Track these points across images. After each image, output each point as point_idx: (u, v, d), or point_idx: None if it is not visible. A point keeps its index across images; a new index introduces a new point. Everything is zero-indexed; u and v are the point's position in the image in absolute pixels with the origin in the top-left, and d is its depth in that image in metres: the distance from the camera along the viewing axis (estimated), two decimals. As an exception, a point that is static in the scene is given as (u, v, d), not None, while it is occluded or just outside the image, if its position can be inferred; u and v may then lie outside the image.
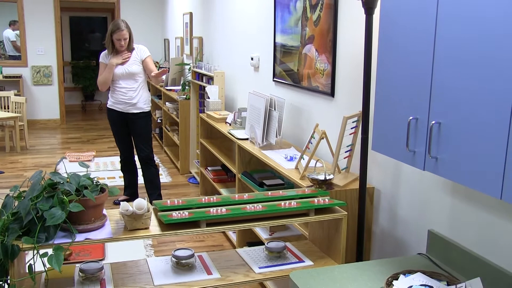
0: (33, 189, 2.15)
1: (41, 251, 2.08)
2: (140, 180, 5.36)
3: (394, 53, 1.99)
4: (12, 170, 6.74)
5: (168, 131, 7.43)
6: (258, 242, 3.68)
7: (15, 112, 8.09)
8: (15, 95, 8.61)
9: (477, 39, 1.57)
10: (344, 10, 3.11)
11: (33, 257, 2.08)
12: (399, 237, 2.69)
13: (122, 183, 5.53)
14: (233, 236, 4.34)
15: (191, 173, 6.53)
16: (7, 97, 8.44)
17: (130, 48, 4.85)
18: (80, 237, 2.17)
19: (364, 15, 2.45)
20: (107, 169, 6.79)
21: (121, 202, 2.23)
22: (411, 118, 1.88)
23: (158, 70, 8.75)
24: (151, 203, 5.18)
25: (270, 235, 3.56)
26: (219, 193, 4.68)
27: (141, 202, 2.22)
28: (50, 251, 2.07)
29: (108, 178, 6.37)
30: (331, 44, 3.25)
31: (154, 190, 5.23)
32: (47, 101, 10.12)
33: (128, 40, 4.78)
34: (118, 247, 4.15)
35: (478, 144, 1.58)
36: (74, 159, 7.21)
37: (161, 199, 5.28)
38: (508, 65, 1.45)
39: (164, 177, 6.46)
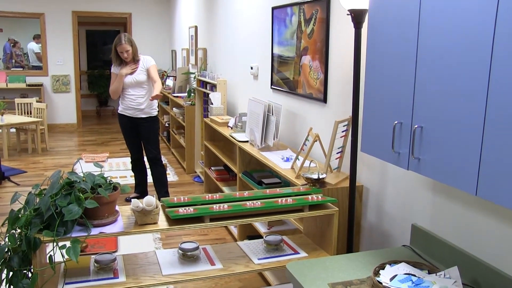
0: (53, 187, 2.15)
1: (60, 243, 2.08)
2: (149, 179, 5.36)
3: (380, 64, 1.99)
4: (34, 170, 6.74)
5: (175, 134, 7.42)
6: (257, 235, 3.68)
7: (37, 117, 8.10)
8: (37, 101, 8.61)
9: (453, 52, 1.57)
10: (335, 24, 3.12)
11: (53, 249, 2.08)
12: (385, 230, 2.70)
13: (133, 181, 5.52)
14: (234, 230, 4.34)
15: (196, 172, 6.52)
16: (30, 103, 8.45)
17: (135, 59, 4.86)
18: (95, 231, 2.17)
19: (354, 29, 2.46)
20: (119, 169, 6.78)
21: (132, 199, 2.23)
22: (396, 122, 1.89)
23: (165, 79, 8.82)
24: (159, 199, 5.20)
25: (268, 229, 3.56)
26: (222, 191, 4.68)
27: (150, 199, 2.22)
28: (68, 243, 2.08)
29: (120, 177, 6.36)
30: (323, 54, 3.26)
31: (162, 187, 5.23)
32: (65, 107, 10.11)
33: (130, 52, 4.78)
34: (129, 240, 4.14)
35: (455, 145, 1.59)
36: (89, 160, 7.20)
37: (168, 196, 5.28)
38: (481, 74, 1.46)
39: (172, 176, 6.46)
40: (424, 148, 1.75)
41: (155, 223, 2.26)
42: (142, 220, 2.24)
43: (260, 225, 3.62)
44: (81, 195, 2.11)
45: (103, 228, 2.20)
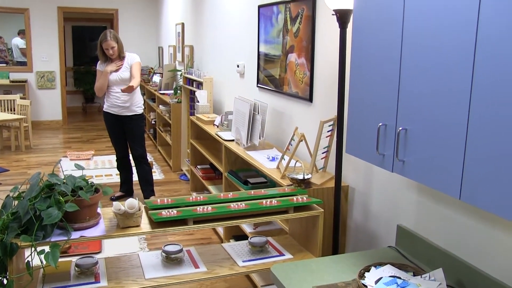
0: (32, 190, 2.10)
1: (40, 248, 2.02)
2: (135, 177, 5.31)
3: (364, 64, 1.96)
4: (17, 168, 6.63)
5: (162, 132, 7.36)
6: (243, 235, 3.65)
7: (21, 114, 7.98)
8: (21, 98, 8.48)
9: (437, 53, 1.55)
10: (321, 23, 3.09)
11: (30, 254, 2.02)
12: (371, 231, 2.68)
13: (119, 180, 5.46)
14: (220, 230, 4.30)
15: (182, 170, 6.47)
16: (13, 100, 8.32)
17: (121, 56, 4.80)
18: (75, 235, 2.12)
19: (338, 29, 2.42)
20: (105, 167, 6.70)
21: (114, 202, 2.18)
22: (380, 124, 1.86)
23: (151, 76, 8.74)
24: (145, 198, 5.14)
25: (254, 229, 3.53)
26: (208, 190, 4.64)
27: (133, 202, 2.17)
28: (47, 248, 2.02)
29: (106, 175, 6.28)
30: (309, 53, 3.23)
31: (147, 186, 5.18)
32: (50, 104, 9.98)
33: (115, 48, 4.72)
34: (114, 241, 4.09)
35: (439, 148, 1.57)
36: (74, 158, 7.11)
37: (154, 194, 5.23)
38: (464, 77, 1.44)
39: (157, 174, 6.40)
40: (409, 150, 1.72)
41: (138, 225, 2.22)
42: (124, 223, 2.19)
43: (246, 225, 3.58)
44: (61, 198, 2.06)
45: (84, 232, 2.15)
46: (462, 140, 1.47)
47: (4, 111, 8.25)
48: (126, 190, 5.39)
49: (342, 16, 2.36)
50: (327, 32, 3.02)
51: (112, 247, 4.09)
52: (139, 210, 2.20)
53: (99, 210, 2.33)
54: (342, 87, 2.45)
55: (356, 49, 2.02)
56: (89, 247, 4.09)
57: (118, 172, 5.42)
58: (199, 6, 6.37)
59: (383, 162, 1.88)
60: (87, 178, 2.26)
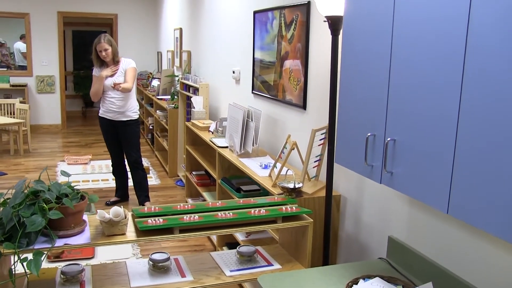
0: (15, 197, 2.06)
1: (24, 256, 1.98)
2: (131, 183, 5.26)
3: (354, 73, 1.92)
4: (15, 172, 6.60)
5: (159, 137, 7.32)
6: (236, 243, 3.60)
7: (20, 118, 7.95)
8: (21, 102, 8.46)
9: (426, 63, 1.51)
10: (315, 29, 3.05)
11: (14, 262, 1.98)
12: (362, 242, 2.63)
13: (115, 185, 5.42)
14: (214, 238, 4.25)
15: (178, 176, 6.43)
16: (13, 104, 8.29)
17: (115, 60, 4.77)
18: (59, 242, 2.07)
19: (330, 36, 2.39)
20: (101, 171, 6.66)
21: (98, 210, 2.14)
22: (369, 134, 1.82)
23: (150, 81, 8.71)
24: (140, 203, 5.08)
25: (246, 237, 3.49)
26: (203, 196, 4.59)
27: (118, 210, 2.13)
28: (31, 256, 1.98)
29: (102, 180, 6.24)
30: (303, 60, 3.19)
31: (142, 191, 5.13)
32: (49, 108, 9.96)
33: (109, 51, 4.70)
34: (107, 246, 4.04)
35: (427, 160, 1.52)
36: (72, 162, 7.08)
37: (149, 200, 5.19)
38: (453, 89, 1.39)
39: (154, 180, 6.35)
40: (397, 162, 1.68)
41: (123, 234, 2.17)
42: (110, 231, 2.15)
43: (239, 233, 3.54)
44: (45, 205, 2.02)
45: (69, 240, 2.11)
46: (451, 153, 1.42)
47: (4, 115, 8.22)
48: (121, 195, 5.35)
49: (334, 23, 2.32)
50: (321, 39, 2.98)
51: (105, 253, 4.05)
52: (125, 218, 2.16)
53: (85, 217, 2.28)
54: (334, 95, 2.41)
55: (346, 57, 1.98)
56: (82, 252, 4.05)
57: (114, 177, 5.38)
58: (196, 11, 6.35)
59: (371, 173, 1.83)
60: (73, 185, 2.22)
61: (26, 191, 2.12)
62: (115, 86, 4.61)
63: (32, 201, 2.07)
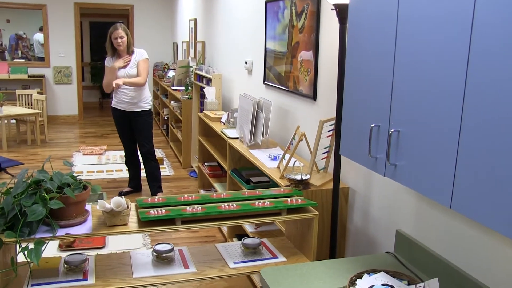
0: (17, 186, 2.05)
1: (24, 244, 1.98)
2: (143, 173, 5.27)
3: (359, 62, 1.86)
4: (31, 162, 6.67)
5: (173, 128, 7.32)
6: (245, 234, 3.57)
7: (38, 109, 8.04)
8: (38, 93, 8.55)
9: (431, 52, 1.44)
10: (326, 18, 2.98)
11: (15, 250, 1.98)
12: (370, 235, 2.57)
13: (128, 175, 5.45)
14: (224, 229, 4.23)
15: (192, 167, 6.42)
16: (30, 94, 8.39)
17: (129, 51, 4.76)
18: (61, 232, 2.07)
19: (338, 24, 2.32)
20: (116, 162, 6.69)
21: (99, 200, 2.12)
22: (373, 125, 1.76)
23: (166, 72, 8.71)
24: (152, 194, 5.09)
25: (255, 229, 3.45)
26: (214, 187, 4.58)
27: (119, 200, 2.11)
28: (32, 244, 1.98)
29: (116, 170, 6.27)
30: (314, 50, 3.13)
31: (154, 182, 5.14)
32: (67, 99, 10.05)
33: (124, 39, 4.69)
34: (117, 236, 4.06)
35: (431, 153, 1.46)
36: (87, 152, 7.13)
37: (161, 190, 5.19)
38: (458, 79, 1.33)
39: (167, 171, 6.36)
40: (401, 154, 1.62)
41: (125, 224, 2.16)
42: (111, 221, 2.13)
43: (248, 225, 3.51)
44: (46, 195, 2.01)
45: (70, 229, 2.10)
46: (454, 146, 1.36)
47: (22, 105, 8.32)
48: (134, 186, 5.37)
49: (342, 11, 2.26)
50: (331, 29, 2.91)
51: (116, 243, 4.06)
52: (127, 208, 2.14)
53: (88, 207, 2.27)
54: (342, 86, 2.35)
55: (352, 46, 1.92)
56: (94, 242, 4.07)
57: (127, 168, 5.40)
58: (210, 1, 6.30)
59: (375, 166, 1.77)
60: (76, 175, 2.20)
61: (29, 180, 2.12)
62: (118, 87, 4.60)
63: (34, 190, 2.07)
